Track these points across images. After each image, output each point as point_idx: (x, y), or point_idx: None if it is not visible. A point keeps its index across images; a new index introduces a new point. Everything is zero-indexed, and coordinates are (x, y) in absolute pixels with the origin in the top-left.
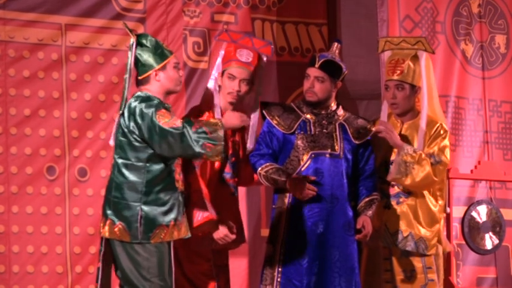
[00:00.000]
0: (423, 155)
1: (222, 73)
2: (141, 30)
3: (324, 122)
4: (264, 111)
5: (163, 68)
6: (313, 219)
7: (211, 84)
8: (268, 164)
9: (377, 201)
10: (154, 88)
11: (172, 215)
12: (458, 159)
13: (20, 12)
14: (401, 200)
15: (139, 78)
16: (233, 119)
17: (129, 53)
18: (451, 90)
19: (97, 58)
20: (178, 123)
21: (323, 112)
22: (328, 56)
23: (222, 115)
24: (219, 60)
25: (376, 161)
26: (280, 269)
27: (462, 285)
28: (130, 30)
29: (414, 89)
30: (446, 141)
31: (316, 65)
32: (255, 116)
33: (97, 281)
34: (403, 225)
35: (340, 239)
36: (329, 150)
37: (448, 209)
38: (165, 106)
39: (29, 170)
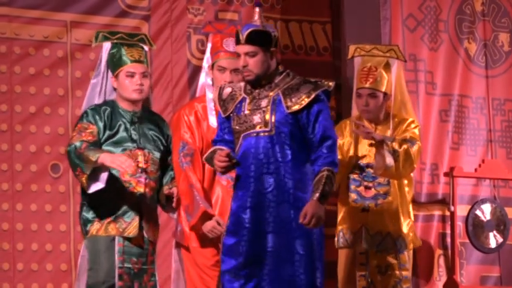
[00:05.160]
0: (401, 141)
1: (212, 66)
2: (145, 28)
3: (257, 97)
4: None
5: (117, 76)
6: (243, 209)
7: (203, 78)
8: (212, 149)
9: (326, 177)
10: (118, 95)
11: (112, 212)
12: (462, 157)
13: (25, 10)
14: (379, 201)
15: None
16: (108, 158)
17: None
18: (454, 89)
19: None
20: (74, 140)
21: (261, 87)
22: (251, 26)
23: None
24: (207, 53)
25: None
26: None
27: (466, 284)
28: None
29: (386, 97)
30: (417, 131)
31: (242, 41)
32: None
33: None
34: (381, 227)
35: (277, 221)
36: (258, 128)
37: (452, 208)
38: (97, 115)
39: (33, 167)
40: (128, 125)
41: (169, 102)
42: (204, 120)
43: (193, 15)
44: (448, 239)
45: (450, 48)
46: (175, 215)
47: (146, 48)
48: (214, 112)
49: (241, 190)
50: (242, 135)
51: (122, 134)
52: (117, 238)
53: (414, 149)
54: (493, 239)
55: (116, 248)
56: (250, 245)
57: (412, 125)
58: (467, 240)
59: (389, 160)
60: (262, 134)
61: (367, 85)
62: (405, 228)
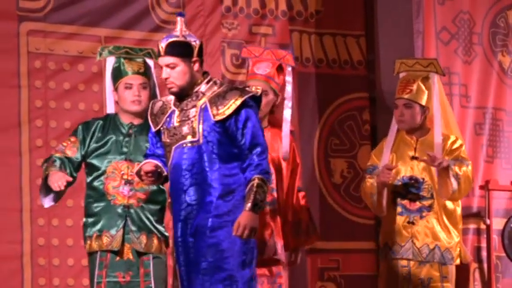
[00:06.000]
0: (459, 163)
1: None
2: None
3: (185, 108)
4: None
5: (116, 89)
6: (176, 221)
7: None
8: (142, 162)
9: (257, 185)
10: (119, 107)
11: (97, 227)
12: (497, 171)
13: (60, 25)
14: (424, 214)
15: None
16: (49, 177)
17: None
18: (488, 102)
19: None
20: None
21: (188, 98)
22: (170, 37)
23: None
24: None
25: (396, 177)
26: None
27: None
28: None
29: (423, 109)
30: (465, 149)
31: (162, 53)
32: None
33: None
34: (428, 239)
35: (195, 232)
36: (188, 139)
37: (487, 221)
38: (80, 130)
39: None
40: (121, 138)
41: None
42: None
43: (227, 30)
44: (484, 253)
45: (484, 61)
46: None
47: (151, 61)
48: None
49: (175, 203)
50: (173, 147)
51: (110, 147)
52: (99, 252)
53: (469, 169)
54: None
55: (97, 262)
56: (184, 260)
57: (458, 143)
58: (503, 254)
59: (455, 185)
60: (190, 144)
61: (404, 95)
62: (453, 241)
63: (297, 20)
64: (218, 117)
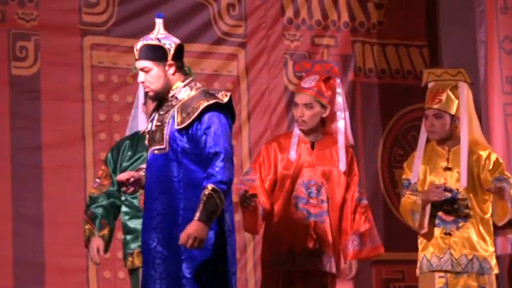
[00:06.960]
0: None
1: None
2: (241, 55)
3: (161, 113)
4: None
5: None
6: (148, 229)
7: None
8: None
9: (208, 195)
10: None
11: (138, 242)
12: None
13: (122, 39)
14: (460, 224)
15: None
16: (90, 248)
17: None
18: None
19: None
20: (91, 189)
21: (165, 102)
22: (144, 40)
23: (298, 143)
24: None
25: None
26: None
27: None
28: None
29: (453, 118)
30: (502, 162)
31: (137, 56)
32: None
33: None
34: (466, 249)
35: (167, 245)
36: (157, 145)
37: None
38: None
39: None
40: None
41: (267, 128)
42: (283, 152)
43: (289, 41)
44: None
45: None
46: None
47: None
48: (295, 146)
49: (147, 210)
50: (148, 152)
51: (140, 163)
52: (141, 268)
53: None
54: None
55: (140, 278)
56: (164, 270)
57: (494, 157)
58: None
59: (510, 207)
60: (158, 151)
61: (433, 106)
62: (489, 250)
63: (359, 31)
64: (181, 125)
